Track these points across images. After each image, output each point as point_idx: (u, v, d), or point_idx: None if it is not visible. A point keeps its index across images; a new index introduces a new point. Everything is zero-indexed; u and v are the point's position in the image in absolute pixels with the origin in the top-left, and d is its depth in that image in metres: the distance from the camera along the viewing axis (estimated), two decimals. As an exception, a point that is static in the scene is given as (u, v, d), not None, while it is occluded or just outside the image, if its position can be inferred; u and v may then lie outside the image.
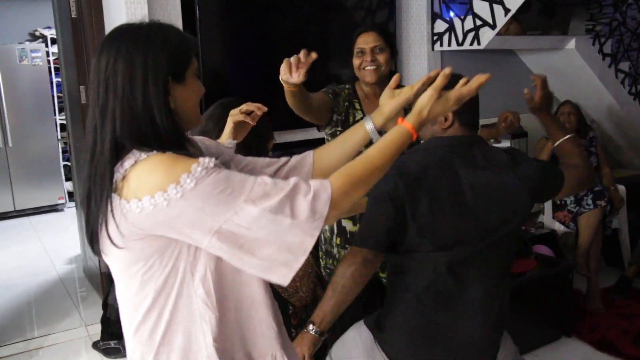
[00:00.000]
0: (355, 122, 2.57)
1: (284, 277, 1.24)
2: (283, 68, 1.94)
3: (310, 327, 1.97)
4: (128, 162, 1.24)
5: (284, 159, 1.64)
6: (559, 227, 4.30)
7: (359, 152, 1.47)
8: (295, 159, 1.64)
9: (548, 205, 4.30)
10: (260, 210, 1.19)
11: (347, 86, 2.69)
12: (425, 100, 1.47)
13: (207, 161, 1.21)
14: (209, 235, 1.20)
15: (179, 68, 1.30)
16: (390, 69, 2.64)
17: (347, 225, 2.66)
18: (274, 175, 1.59)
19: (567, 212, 4.21)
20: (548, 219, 4.36)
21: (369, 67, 2.56)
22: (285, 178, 1.51)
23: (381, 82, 2.58)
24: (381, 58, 2.58)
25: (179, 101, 1.30)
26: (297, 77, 1.92)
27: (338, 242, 2.68)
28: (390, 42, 2.66)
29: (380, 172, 1.38)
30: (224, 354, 1.34)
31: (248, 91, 3.57)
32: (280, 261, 1.22)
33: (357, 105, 2.65)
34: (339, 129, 2.62)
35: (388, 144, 1.40)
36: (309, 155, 1.64)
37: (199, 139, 1.55)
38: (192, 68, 1.33)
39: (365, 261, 1.96)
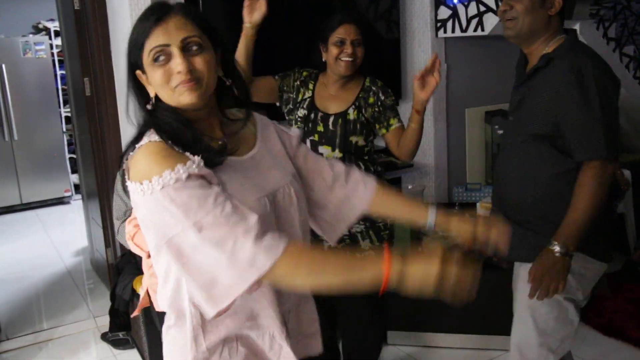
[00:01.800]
0: (302, 100, 2.65)
1: (206, 311, 1.28)
2: (245, 9, 2.42)
3: (559, 251, 2.00)
4: (140, 143, 1.33)
5: (341, 170, 1.66)
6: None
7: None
8: (356, 176, 1.67)
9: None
10: (203, 238, 1.22)
11: (312, 70, 2.71)
12: (435, 276, 1.20)
13: (181, 172, 1.25)
14: (162, 240, 1.25)
15: (136, 61, 1.36)
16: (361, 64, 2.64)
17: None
18: (332, 185, 1.63)
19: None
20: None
21: (347, 59, 2.54)
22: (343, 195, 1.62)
23: (350, 76, 2.61)
24: (359, 52, 2.57)
25: (155, 88, 1.36)
26: (258, 14, 2.43)
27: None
28: (367, 37, 2.64)
29: (331, 279, 1.26)
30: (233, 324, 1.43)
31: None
32: (207, 295, 1.25)
33: (310, 86, 2.67)
34: (290, 106, 2.68)
35: (355, 268, 1.25)
36: (371, 183, 1.65)
37: (263, 121, 1.60)
38: (146, 56, 1.34)
39: (610, 171, 2.02)
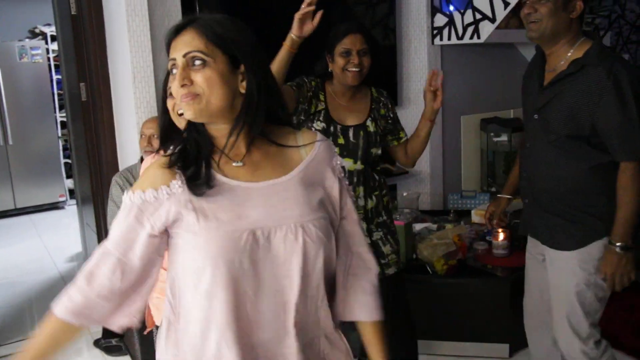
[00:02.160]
0: (317, 112, 2.61)
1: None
2: (296, 23, 2.27)
3: (620, 248, 2.22)
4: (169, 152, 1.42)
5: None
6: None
7: None
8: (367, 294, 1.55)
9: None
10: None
11: (317, 79, 2.67)
12: None
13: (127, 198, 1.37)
14: None
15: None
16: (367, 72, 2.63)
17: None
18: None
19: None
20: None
21: (353, 69, 2.54)
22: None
23: (357, 85, 2.62)
24: (366, 62, 2.57)
25: None
26: (309, 28, 2.27)
27: None
28: (373, 46, 2.63)
29: None
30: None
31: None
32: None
33: (321, 97, 2.64)
34: (302, 117, 2.62)
35: None
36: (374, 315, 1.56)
37: (325, 153, 1.48)
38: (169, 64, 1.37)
39: None
